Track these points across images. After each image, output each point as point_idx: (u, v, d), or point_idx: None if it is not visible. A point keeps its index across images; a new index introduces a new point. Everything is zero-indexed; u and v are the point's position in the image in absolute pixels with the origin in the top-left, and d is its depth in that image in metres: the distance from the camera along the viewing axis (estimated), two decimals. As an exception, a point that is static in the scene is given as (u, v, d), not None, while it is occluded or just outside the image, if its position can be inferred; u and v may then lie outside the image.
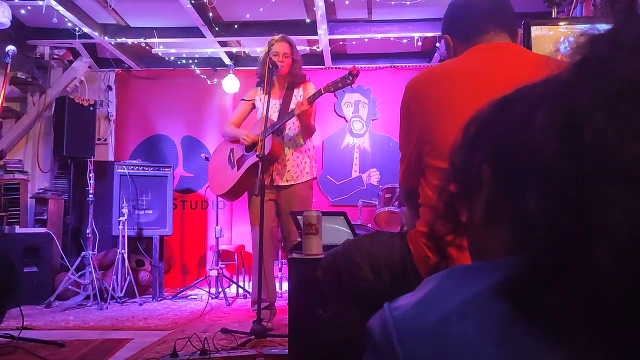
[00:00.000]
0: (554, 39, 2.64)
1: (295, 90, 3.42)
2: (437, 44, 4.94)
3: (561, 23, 2.84)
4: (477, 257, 0.56)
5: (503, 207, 0.47)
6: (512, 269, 0.41)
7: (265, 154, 2.98)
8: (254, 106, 3.57)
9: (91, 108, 5.01)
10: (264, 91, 3.31)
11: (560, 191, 0.38)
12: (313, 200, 3.64)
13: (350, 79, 3.01)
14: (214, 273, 4.65)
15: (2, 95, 3.28)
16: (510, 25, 1.47)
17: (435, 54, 5.14)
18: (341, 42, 5.14)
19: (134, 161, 4.89)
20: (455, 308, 0.41)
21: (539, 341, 0.38)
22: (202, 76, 5.55)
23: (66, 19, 4.43)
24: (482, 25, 1.45)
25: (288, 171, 3.34)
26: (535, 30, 2.63)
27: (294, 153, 3.36)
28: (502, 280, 0.41)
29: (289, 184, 3.34)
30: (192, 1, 4.20)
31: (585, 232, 0.36)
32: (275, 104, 3.39)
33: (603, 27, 0.42)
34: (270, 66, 3.17)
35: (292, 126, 3.37)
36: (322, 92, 3.09)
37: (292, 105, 3.29)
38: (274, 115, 3.33)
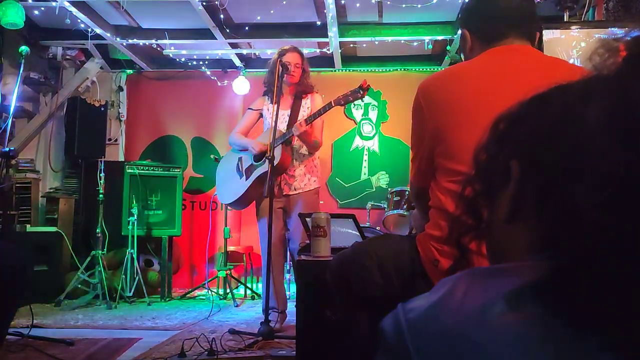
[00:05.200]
0: (566, 43, 2.63)
1: (304, 101, 3.41)
2: (448, 47, 4.92)
3: (573, 27, 2.82)
4: (495, 256, 0.54)
5: (531, 204, 0.45)
6: (548, 269, 0.39)
7: (275, 164, 2.98)
8: (261, 115, 3.56)
9: (102, 108, 5.04)
10: (272, 100, 3.30)
11: (618, 185, 0.36)
12: (321, 202, 3.65)
13: (361, 92, 3.04)
14: (222, 274, 4.66)
15: (15, 95, 3.31)
16: (532, 32, 1.45)
17: (446, 58, 5.12)
18: (351, 45, 5.14)
19: (144, 161, 4.91)
20: (474, 312, 0.40)
21: (584, 342, 0.37)
22: (212, 77, 5.57)
23: (79, 20, 4.47)
24: (505, 29, 1.41)
25: (295, 181, 3.35)
26: (547, 34, 2.62)
27: (301, 164, 3.37)
28: (539, 281, 0.40)
29: (297, 192, 3.35)
30: (204, 3, 4.22)
31: None
32: (284, 114, 3.38)
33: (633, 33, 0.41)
34: (281, 69, 3.16)
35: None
36: (332, 105, 3.12)
37: (300, 116, 3.29)
38: (282, 125, 3.31)
